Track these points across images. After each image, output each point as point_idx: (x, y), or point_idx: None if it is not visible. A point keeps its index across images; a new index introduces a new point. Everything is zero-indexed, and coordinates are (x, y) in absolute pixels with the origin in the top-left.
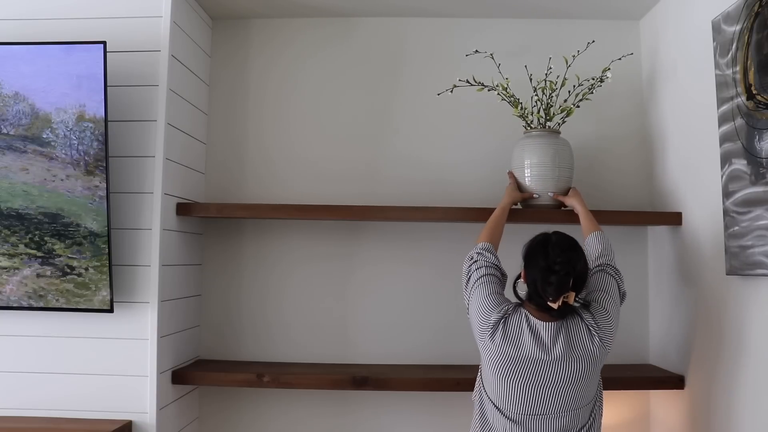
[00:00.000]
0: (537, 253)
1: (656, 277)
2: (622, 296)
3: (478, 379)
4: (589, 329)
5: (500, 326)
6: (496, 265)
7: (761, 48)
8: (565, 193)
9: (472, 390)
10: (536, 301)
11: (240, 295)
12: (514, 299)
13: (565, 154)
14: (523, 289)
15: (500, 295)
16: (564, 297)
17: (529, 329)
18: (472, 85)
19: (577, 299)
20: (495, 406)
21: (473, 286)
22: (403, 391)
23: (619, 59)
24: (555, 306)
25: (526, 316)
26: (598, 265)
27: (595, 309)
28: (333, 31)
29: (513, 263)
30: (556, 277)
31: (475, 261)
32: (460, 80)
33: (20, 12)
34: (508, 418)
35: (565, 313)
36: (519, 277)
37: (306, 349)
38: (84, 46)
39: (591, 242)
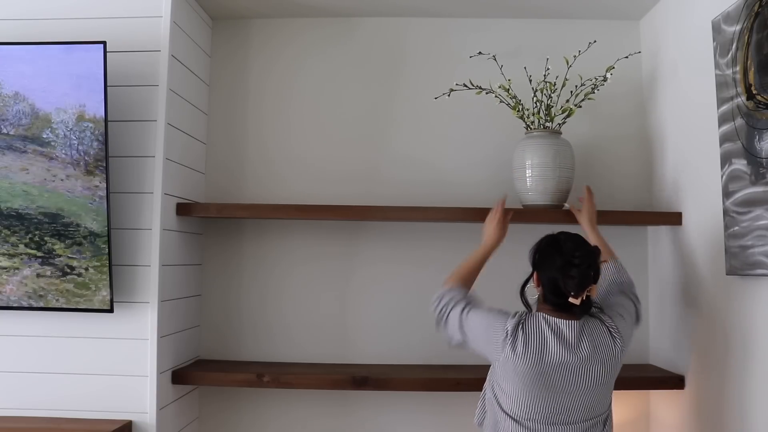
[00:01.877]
0: (551, 252)
1: (656, 277)
2: (638, 318)
3: (485, 399)
4: (611, 331)
5: (519, 333)
6: (473, 295)
7: (761, 48)
8: (565, 198)
9: (471, 390)
10: (554, 302)
11: (240, 295)
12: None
13: (566, 155)
14: (533, 294)
15: (500, 309)
16: (587, 290)
17: (551, 330)
18: (469, 88)
19: (594, 305)
20: (515, 420)
21: (465, 317)
22: (403, 391)
23: (626, 57)
24: (577, 301)
25: (544, 317)
26: (621, 291)
27: (613, 316)
28: (333, 31)
29: (514, 263)
30: (578, 270)
31: (452, 298)
32: (457, 84)
33: (20, 12)
34: (530, 430)
35: (586, 309)
36: (526, 283)
37: (306, 349)
38: (84, 46)
39: (610, 272)
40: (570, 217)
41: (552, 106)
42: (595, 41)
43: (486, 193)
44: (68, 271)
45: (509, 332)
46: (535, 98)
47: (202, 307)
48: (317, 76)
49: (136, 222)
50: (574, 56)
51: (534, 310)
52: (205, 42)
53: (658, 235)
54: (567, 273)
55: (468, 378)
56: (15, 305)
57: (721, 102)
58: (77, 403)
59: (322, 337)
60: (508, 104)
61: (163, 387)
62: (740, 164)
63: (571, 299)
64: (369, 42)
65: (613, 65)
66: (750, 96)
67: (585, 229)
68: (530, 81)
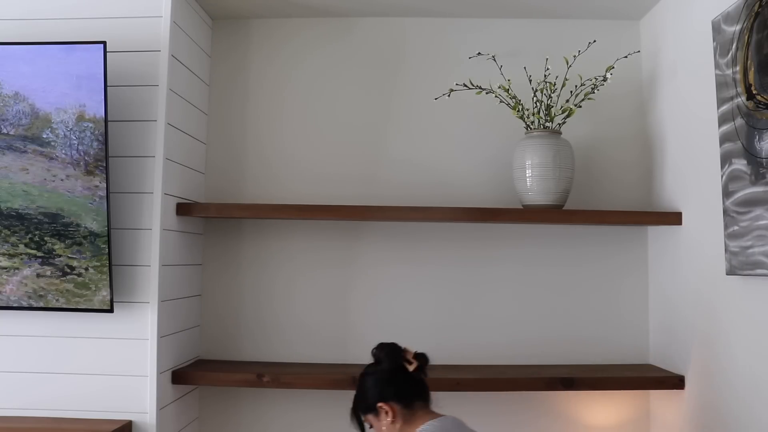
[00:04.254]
0: (368, 375)
1: (656, 277)
2: None
3: None
4: None
5: None
6: None
7: (761, 48)
8: (565, 198)
9: (471, 390)
10: (405, 384)
11: (240, 295)
12: None
13: (566, 155)
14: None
15: None
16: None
17: None
18: (469, 88)
19: None
20: None
21: None
22: None
23: (625, 57)
24: (413, 366)
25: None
26: None
27: None
28: (334, 31)
29: (516, 265)
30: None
31: None
32: (457, 84)
33: (20, 12)
34: None
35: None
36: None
37: (306, 349)
38: (84, 46)
39: None
40: (568, 218)
41: (552, 106)
42: (594, 41)
43: (486, 193)
44: (68, 271)
45: None
46: (535, 98)
47: (202, 307)
48: (317, 76)
49: (136, 222)
50: (574, 56)
51: None
52: (205, 42)
53: (658, 235)
54: (389, 351)
55: (468, 378)
56: (15, 305)
57: (721, 102)
58: (77, 403)
59: (322, 336)
60: (508, 104)
61: (163, 387)
62: (740, 164)
63: (408, 365)
64: (369, 42)
65: (613, 65)
66: (750, 96)
67: None
68: (530, 81)
